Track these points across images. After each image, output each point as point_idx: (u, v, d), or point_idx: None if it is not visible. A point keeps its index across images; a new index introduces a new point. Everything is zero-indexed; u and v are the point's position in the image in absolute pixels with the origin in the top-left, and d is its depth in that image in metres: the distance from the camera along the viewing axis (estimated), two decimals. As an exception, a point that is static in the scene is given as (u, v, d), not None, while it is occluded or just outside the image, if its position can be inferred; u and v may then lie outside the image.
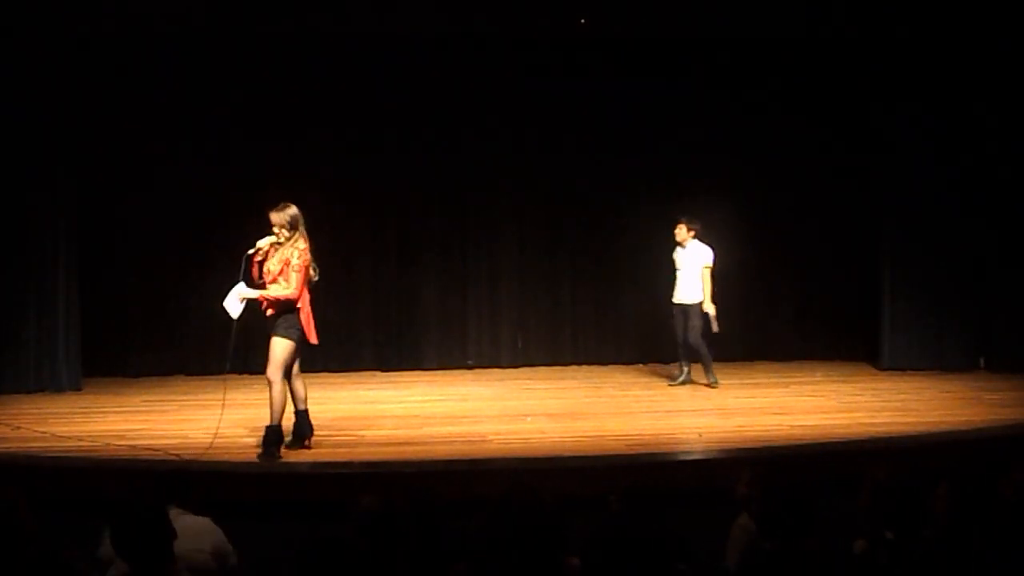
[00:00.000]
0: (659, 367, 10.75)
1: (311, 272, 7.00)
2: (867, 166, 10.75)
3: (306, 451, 7.29)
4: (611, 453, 7.37)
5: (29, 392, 9.43)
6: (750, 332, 11.10)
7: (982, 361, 10.52)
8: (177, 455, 7.15)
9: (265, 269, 6.93)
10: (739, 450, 7.39)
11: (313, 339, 7.08)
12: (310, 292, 7.06)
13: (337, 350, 10.75)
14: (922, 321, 10.49)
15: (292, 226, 6.86)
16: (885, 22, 10.06)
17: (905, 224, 10.47)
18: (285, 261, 6.85)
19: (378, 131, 10.56)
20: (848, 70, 10.71)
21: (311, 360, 10.65)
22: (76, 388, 9.64)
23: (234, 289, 6.85)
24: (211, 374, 10.29)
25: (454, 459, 7.22)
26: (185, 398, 9.36)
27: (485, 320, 10.99)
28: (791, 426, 8.17)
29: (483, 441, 7.82)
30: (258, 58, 10.29)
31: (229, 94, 10.28)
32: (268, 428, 6.99)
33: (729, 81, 10.71)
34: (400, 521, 3.99)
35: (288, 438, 7.21)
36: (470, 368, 10.84)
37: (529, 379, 10.39)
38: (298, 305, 6.89)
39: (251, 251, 6.90)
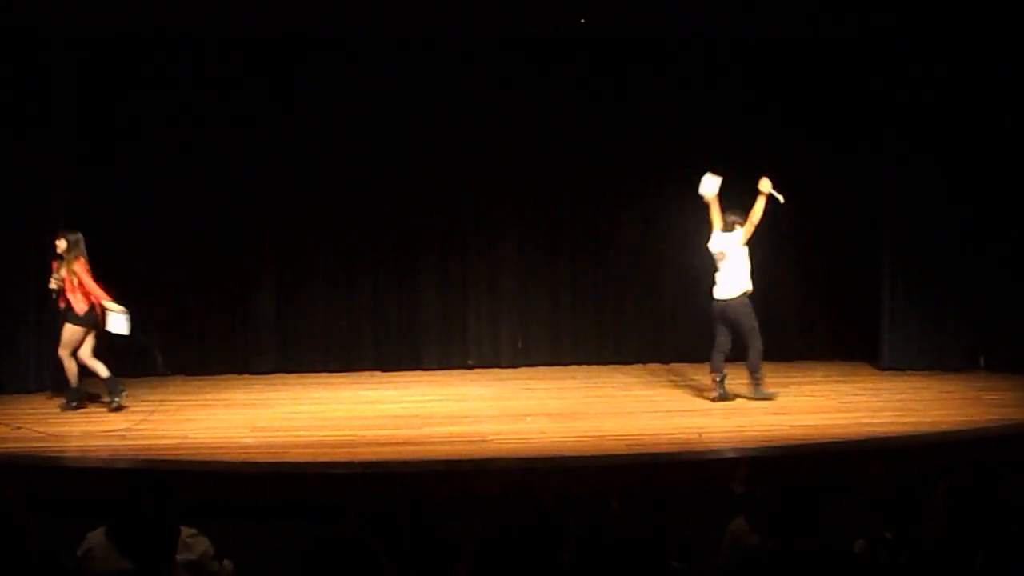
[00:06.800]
0: (659, 367, 10.75)
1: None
2: (867, 166, 10.75)
3: (298, 450, 7.55)
4: (611, 453, 7.36)
5: (29, 392, 9.44)
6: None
7: (982, 361, 10.51)
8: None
9: (60, 275, 8.59)
10: (739, 450, 7.39)
11: None
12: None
13: (337, 350, 10.78)
14: (922, 321, 10.47)
15: (75, 247, 8.58)
16: (889, 22, 10.07)
17: (905, 224, 10.46)
18: (81, 273, 8.58)
19: (377, 131, 10.54)
20: (849, 71, 10.71)
21: (311, 360, 10.75)
22: (76, 388, 9.62)
23: (120, 317, 8.68)
24: (211, 374, 10.37)
25: (454, 459, 7.22)
26: (185, 398, 9.36)
27: (485, 320, 10.98)
28: (791, 426, 8.16)
29: (483, 441, 7.81)
30: (258, 60, 10.30)
31: (230, 98, 10.30)
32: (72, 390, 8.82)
33: (729, 81, 10.72)
34: (400, 521, 3.98)
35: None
36: (470, 368, 10.84)
37: (529, 379, 10.38)
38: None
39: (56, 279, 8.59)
